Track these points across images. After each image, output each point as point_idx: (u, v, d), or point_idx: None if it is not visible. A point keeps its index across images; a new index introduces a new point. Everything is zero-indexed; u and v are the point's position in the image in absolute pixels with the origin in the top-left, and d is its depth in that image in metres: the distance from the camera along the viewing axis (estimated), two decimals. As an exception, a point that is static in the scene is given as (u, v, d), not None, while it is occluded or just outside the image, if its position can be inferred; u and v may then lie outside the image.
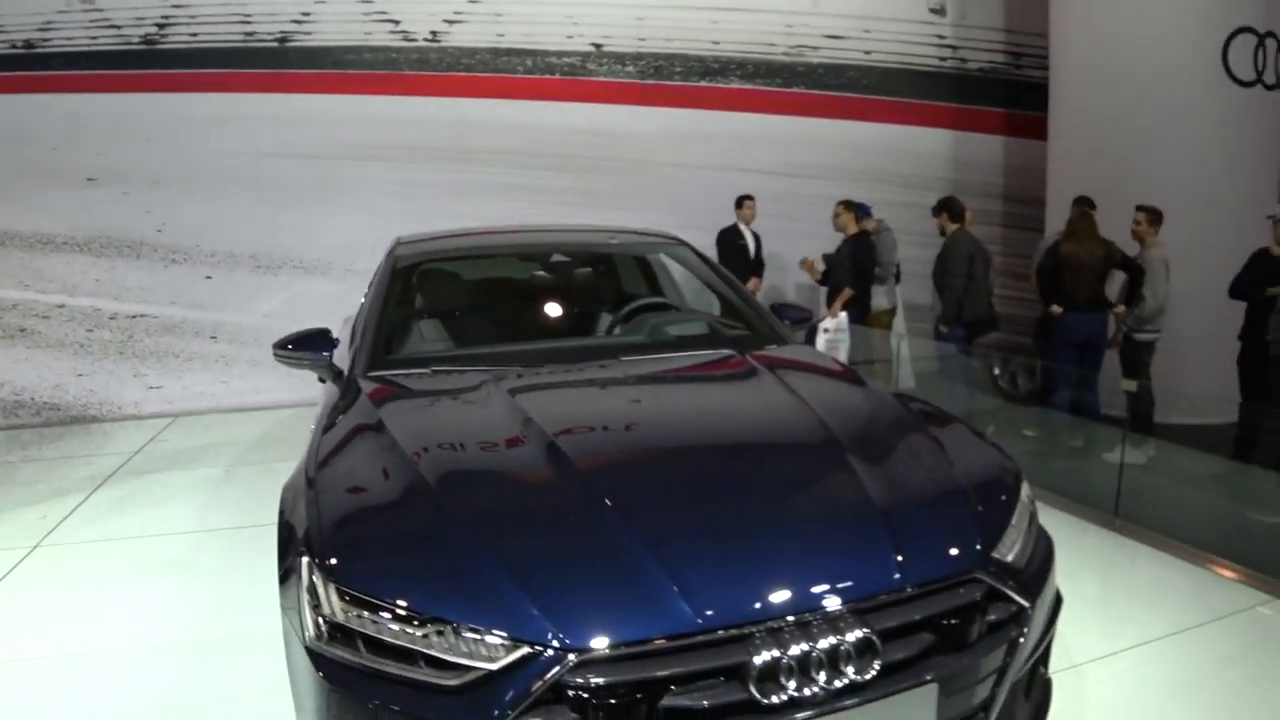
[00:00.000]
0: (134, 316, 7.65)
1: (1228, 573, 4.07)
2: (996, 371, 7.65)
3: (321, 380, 4.16)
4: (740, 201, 8.00)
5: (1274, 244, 5.85)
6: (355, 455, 2.44)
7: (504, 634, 1.77)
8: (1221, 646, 3.40)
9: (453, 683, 1.77)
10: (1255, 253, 6.04)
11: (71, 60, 7.56)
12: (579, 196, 8.43)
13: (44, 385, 7.56)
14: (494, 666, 1.76)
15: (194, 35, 7.70)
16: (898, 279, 8.13)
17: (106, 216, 7.62)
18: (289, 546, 2.16)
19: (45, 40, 7.52)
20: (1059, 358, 6.56)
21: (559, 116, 8.44)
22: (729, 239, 7.94)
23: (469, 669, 1.77)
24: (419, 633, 1.81)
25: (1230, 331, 6.19)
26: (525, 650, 1.76)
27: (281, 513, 2.35)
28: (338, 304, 5.94)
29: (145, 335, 7.65)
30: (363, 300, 4.11)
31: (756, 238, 8.09)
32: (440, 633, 1.80)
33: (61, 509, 5.15)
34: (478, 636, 1.78)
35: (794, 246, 9.11)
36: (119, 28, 7.58)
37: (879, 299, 7.83)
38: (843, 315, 7.16)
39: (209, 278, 7.71)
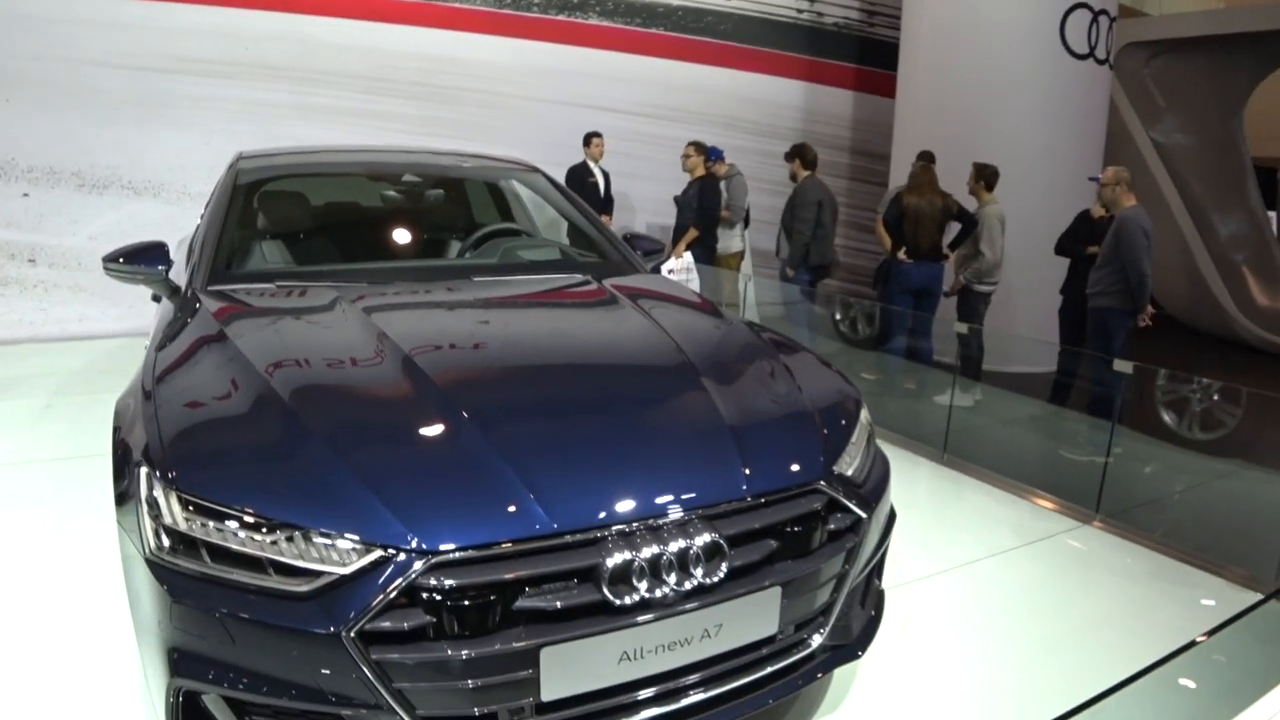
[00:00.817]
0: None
1: (1044, 503, 4.45)
2: (838, 316, 7.98)
3: (155, 299, 3.95)
4: (588, 139, 7.99)
5: (1096, 206, 6.31)
6: (198, 369, 2.34)
7: (356, 537, 1.76)
8: (1034, 567, 3.74)
9: (303, 588, 1.75)
10: (1079, 214, 6.54)
11: None
12: (427, 126, 8.21)
13: None
14: (346, 570, 1.75)
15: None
16: (747, 223, 8.33)
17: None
18: (125, 462, 2.06)
19: None
20: (896, 304, 6.89)
21: (410, 41, 8.15)
22: (579, 175, 7.93)
23: (320, 574, 1.76)
24: (268, 539, 1.78)
25: (1055, 286, 6.67)
26: (378, 554, 1.75)
27: (117, 429, 2.24)
28: (171, 228, 5.56)
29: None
30: (200, 218, 3.91)
31: (606, 175, 8.11)
32: (290, 538, 1.77)
33: None
34: (329, 541, 1.77)
35: (643, 188, 9.19)
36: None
37: (729, 242, 8.00)
38: (687, 255, 7.31)
39: (26, 195, 7.09)
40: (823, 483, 2.19)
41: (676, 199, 7.81)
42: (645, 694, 1.95)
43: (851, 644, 2.34)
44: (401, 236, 3.78)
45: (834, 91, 10.66)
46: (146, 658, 1.97)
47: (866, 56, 10.72)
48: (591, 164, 7.97)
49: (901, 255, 6.66)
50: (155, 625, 1.86)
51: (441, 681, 1.77)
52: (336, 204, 4.10)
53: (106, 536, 3.51)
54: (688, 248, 7.36)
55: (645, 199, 9.35)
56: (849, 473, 2.31)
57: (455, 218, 4.23)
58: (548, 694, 1.83)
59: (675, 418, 2.31)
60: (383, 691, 1.73)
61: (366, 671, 1.72)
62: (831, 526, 2.20)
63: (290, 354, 2.34)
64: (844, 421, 2.45)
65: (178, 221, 5.81)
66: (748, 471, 2.10)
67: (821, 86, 10.54)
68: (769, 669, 2.12)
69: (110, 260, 3.08)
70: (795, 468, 2.20)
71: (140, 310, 6.37)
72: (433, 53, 8.25)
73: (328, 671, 1.74)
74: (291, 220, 3.83)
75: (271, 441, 1.99)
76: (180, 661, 1.82)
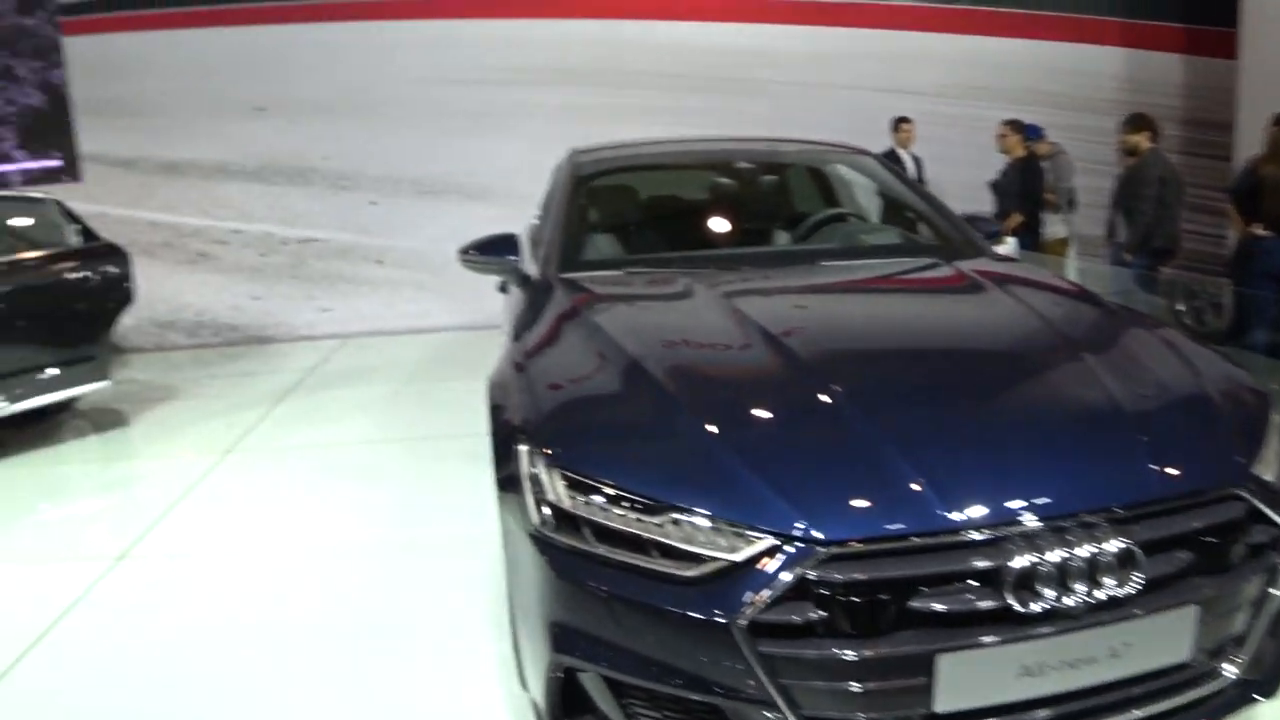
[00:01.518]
0: (304, 241, 7.92)
1: None
2: (1180, 305, 7.10)
3: (502, 290, 4.15)
4: (897, 124, 7.64)
5: None
6: (567, 349, 2.39)
7: (748, 523, 1.68)
8: None
9: (691, 573, 1.69)
10: None
11: None
12: (729, 119, 8.18)
13: (223, 307, 7.96)
14: (736, 558, 1.67)
15: (353, -35, 7.81)
16: (1073, 206, 7.62)
17: (275, 144, 7.89)
18: (504, 436, 2.11)
19: None
20: (1259, 289, 6.00)
21: (711, 37, 8.21)
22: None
23: (708, 559, 1.69)
24: (653, 520, 1.74)
25: None
26: (770, 541, 1.66)
27: (493, 405, 2.30)
28: (501, 228, 5.92)
29: (315, 260, 7.92)
30: (537, 213, 4.08)
31: (917, 161, 7.71)
32: (676, 522, 1.72)
33: (247, 420, 5.39)
34: (718, 526, 1.70)
35: (951, 173, 8.66)
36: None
37: (1054, 227, 7.36)
38: (1011, 241, 6.75)
39: (374, 203, 7.89)
40: (1242, 487, 1.86)
41: (993, 183, 7.28)
42: (1042, 715, 1.73)
43: (1264, 680, 1.98)
44: (739, 223, 3.74)
45: (1158, 56, 9.54)
46: (525, 633, 2.01)
47: (1196, 14, 9.50)
48: (900, 150, 7.62)
49: (1260, 230, 5.78)
50: (537, 601, 1.88)
51: (829, 682, 1.65)
52: (672, 193, 4.17)
53: (454, 507, 3.78)
54: (1011, 234, 6.83)
55: (955, 184, 8.83)
56: (1268, 478, 1.96)
57: (788, 204, 4.15)
58: (941, 705, 1.66)
59: (1070, 408, 2.05)
60: (769, 686, 1.64)
61: (754, 664, 1.63)
62: (1253, 540, 1.86)
63: (657, 335, 2.32)
64: (1255, 421, 2.09)
65: (507, 221, 6.12)
66: (1159, 469, 1.82)
67: (1143, 51, 9.46)
68: (1177, 701, 1.83)
69: (465, 252, 3.26)
70: (1211, 468, 1.89)
71: (474, 306, 6.88)
72: (734, 46, 8.26)
73: (711, 660, 1.68)
74: (630, 210, 3.91)
75: (650, 421, 1.97)
76: (562, 637, 1.82)
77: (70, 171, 8.01)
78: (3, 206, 5.67)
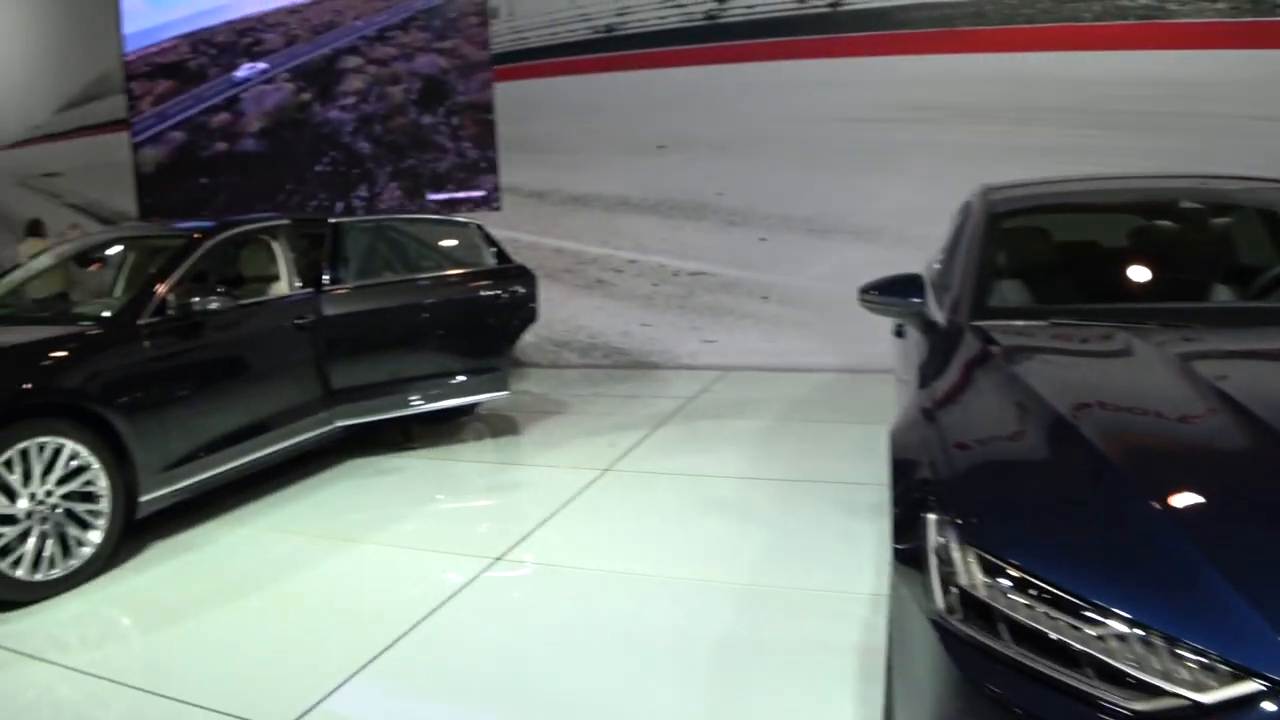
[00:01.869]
0: (694, 274, 8.16)
1: None
2: None
3: (897, 334, 3.89)
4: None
5: None
6: (983, 401, 2.10)
7: (1224, 656, 1.30)
8: None
9: (1140, 707, 1.33)
10: None
11: (643, 40, 8.23)
12: (1149, 158, 7.21)
13: (614, 331, 8.42)
14: (1204, 699, 1.30)
15: (750, 7, 7.92)
16: None
17: (673, 181, 8.20)
18: (910, 499, 1.87)
19: (623, 24, 8.27)
20: None
21: (1128, 67, 7.27)
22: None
23: (1164, 693, 1.33)
24: (1092, 631, 1.40)
25: None
26: (1255, 686, 1.27)
27: (896, 461, 2.06)
28: (891, 270, 5.64)
29: (703, 292, 8.13)
30: (939, 255, 3.77)
31: None
32: (1123, 637, 1.38)
33: (627, 441, 5.57)
34: (1182, 652, 1.33)
35: None
36: (684, 6, 8.06)
37: None
38: None
39: (763, 240, 7.94)
40: None
41: None
42: None
43: None
44: (1178, 274, 3.19)
45: None
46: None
47: None
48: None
49: None
50: (931, 699, 1.61)
51: None
52: (1098, 236, 3.66)
53: (825, 561, 3.57)
54: None
55: None
56: None
57: (1238, 252, 3.48)
58: None
59: None
60: None
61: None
62: None
63: (1093, 395, 1.98)
64: None
65: (895, 264, 5.85)
66: None
67: None
68: None
69: (866, 291, 3.06)
70: None
71: (857, 348, 6.65)
72: (1154, 76, 7.26)
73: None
74: (1049, 253, 3.49)
75: (1089, 500, 1.64)
76: (956, 748, 1.54)
77: (492, 201, 8.93)
78: (435, 229, 6.41)
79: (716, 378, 7.59)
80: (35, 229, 10.10)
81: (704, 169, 8.09)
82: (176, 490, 4.37)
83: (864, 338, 5.73)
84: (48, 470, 3.75)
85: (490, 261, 6.01)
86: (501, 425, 6.39)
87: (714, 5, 8.04)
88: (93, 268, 6.14)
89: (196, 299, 4.52)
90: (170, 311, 4.47)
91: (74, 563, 3.82)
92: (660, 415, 6.27)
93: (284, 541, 4.30)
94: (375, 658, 3.01)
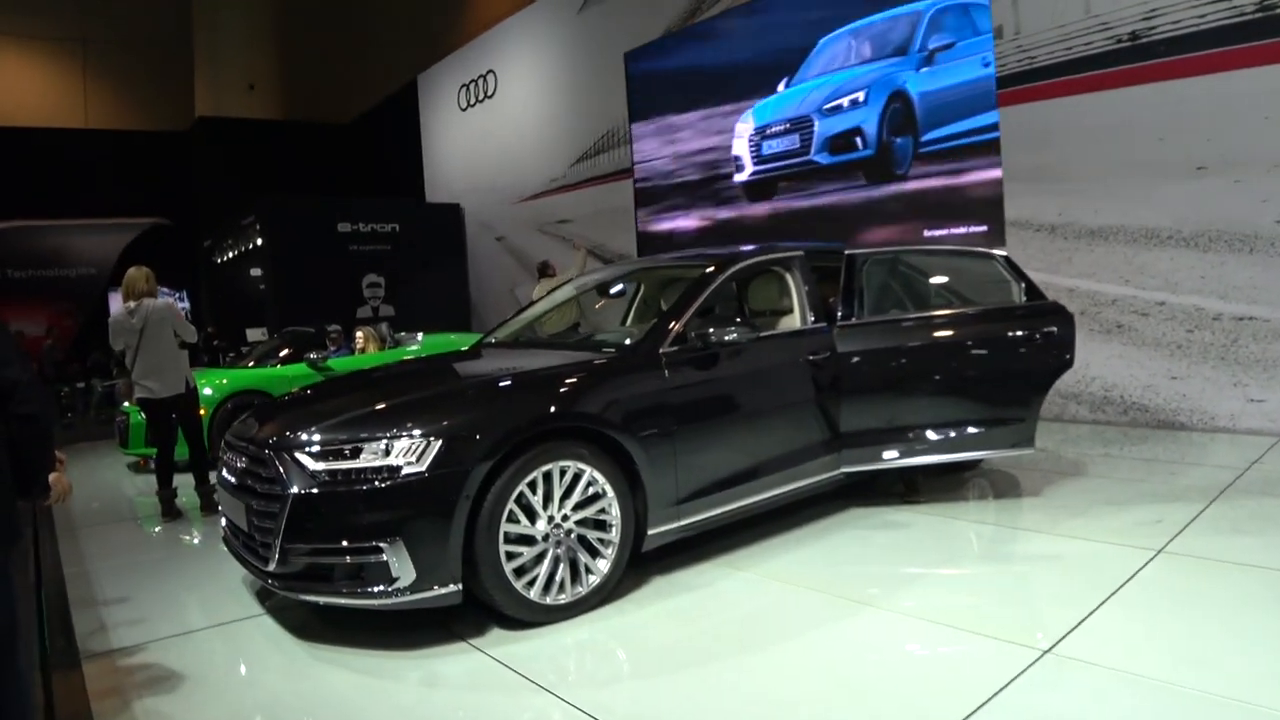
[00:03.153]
0: (1240, 319, 6.80)
1: None
2: None
3: None
4: None
5: None
6: None
7: None
8: None
9: None
10: None
11: (1174, 45, 7.04)
12: None
13: (1134, 384, 7.29)
14: None
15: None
16: None
17: (1214, 207, 6.92)
18: None
19: (1150, 29, 7.15)
20: None
21: None
22: None
23: None
24: None
25: None
26: None
27: None
28: None
29: (1251, 341, 6.74)
30: None
31: None
32: None
33: (1176, 516, 4.64)
34: None
35: None
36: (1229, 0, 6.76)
37: None
38: None
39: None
40: None
41: None
42: None
43: None
44: None
45: None
46: None
47: None
48: None
49: None
50: None
51: None
52: None
53: None
54: None
55: None
56: None
57: None
58: None
59: None
60: None
61: None
62: None
63: None
64: None
65: None
66: None
67: None
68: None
69: None
70: None
71: None
72: None
73: None
74: None
75: None
76: None
77: (995, 236, 8.23)
78: (956, 261, 5.90)
79: (1269, 445, 6.20)
80: (545, 269, 11.29)
81: (1258, 192, 6.72)
82: (683, 526, 4.34)
83: None
84: (566, 494, 3.86)
85: (1019, 298, 5.40)
86: (1006, 483, 5.70)
87: (1266, -4, 6.70)
88: (605, 297, 6.53)
89: (713, 330, 4.49)
90: (692, 342, 4.49)
91: (581, 590, 3.89)
92: (1209, 488, 5.17)
93: (787, 594, 4.05)
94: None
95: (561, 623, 3.79)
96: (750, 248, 5.38)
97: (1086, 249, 7.66)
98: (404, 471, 3.48)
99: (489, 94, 15.94)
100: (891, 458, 5.02)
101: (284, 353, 9.46)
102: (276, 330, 13.72)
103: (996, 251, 5.78)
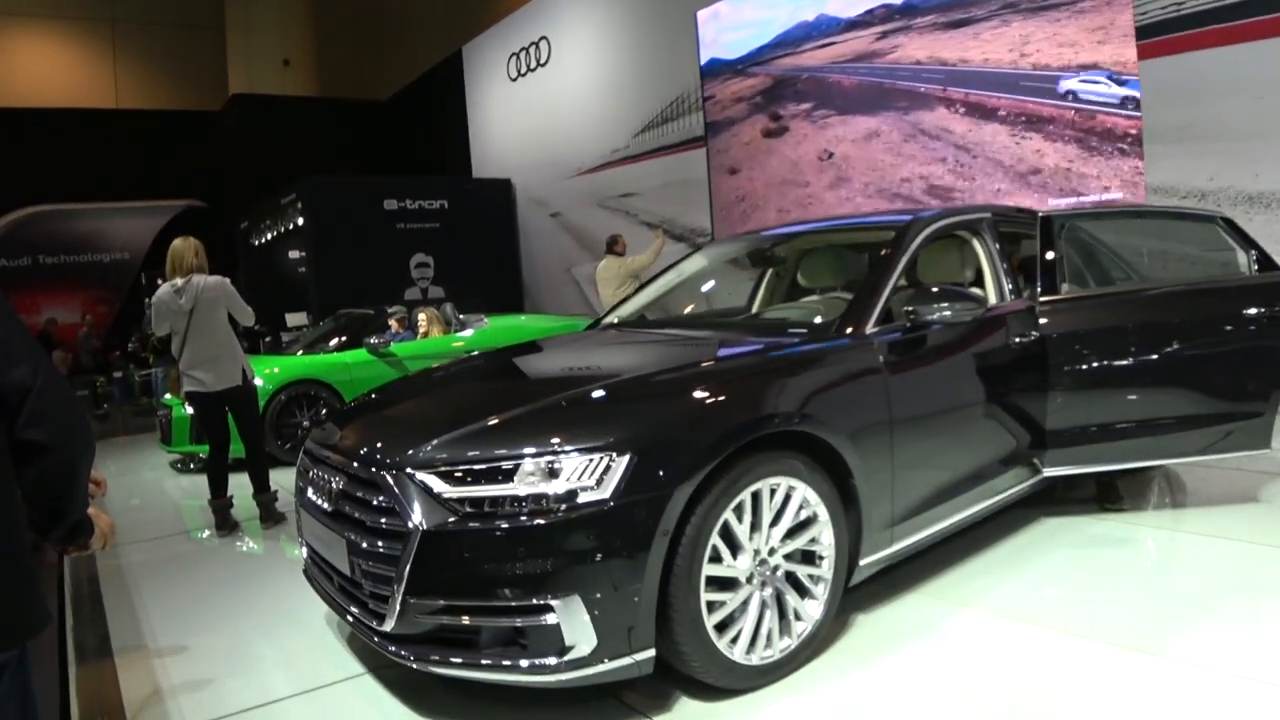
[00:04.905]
0: None
1: None
2: None
3: None
4: None
5: None
6: None
7: None
8: None
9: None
10: None
11: None
12: None
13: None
14: None
15: None
16: None
17: None
18: None
19: None
20: None
21: None
22: None
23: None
24: None
25: None
26: None
27: None
28: None
29: None
30: None
31: None
32: None
33: None
34: None
35: None
36: None
37: None
38: None
39: None
40: None
41: None
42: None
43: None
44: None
45: None
46: None
47: None
48: None
49: None
50: None
51: None
52: None
53: None
54: None
55: None
56: None
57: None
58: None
59: None
60: None
61: None
62: None
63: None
64: None
65: None
66: None
67: None
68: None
69: None
70: None
71: None
72: None
73: None
74: None
75: None
76: None
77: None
78: (1167, 225, 4.86)
79: None
80: (613, 245, 10.22)
81: None
82: (893, 553, 3.41)
83: None
84: (774, 521, 2.90)
85: (1249, 269, 4.39)
86: (1205, 485, 4.79)
87: None
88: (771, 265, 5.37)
89: (925, 306, 3.50)
90: (898, 321, 3.51)
91: (790, 642, 2.94)
92: None
93: (1039, 640, 3.08)
94: None
95: (768, 687, 2.84)
96: (928, 210, 4.35)
97: (1243, 218, 6.57)
98: (580, 499, 2.51)
99: (542, 62, 14.89)
100: (1102, 459, 4.10)
101: (339, 339, 8.50)
102: (318, 316, 12.82)
103: (1216, 212, 4.77)
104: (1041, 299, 4.11)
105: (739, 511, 2.76)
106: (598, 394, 2.98)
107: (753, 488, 2.79)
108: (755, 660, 2.81)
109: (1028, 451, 4.03)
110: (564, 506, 2.50)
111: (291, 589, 4.06)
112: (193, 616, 4.03)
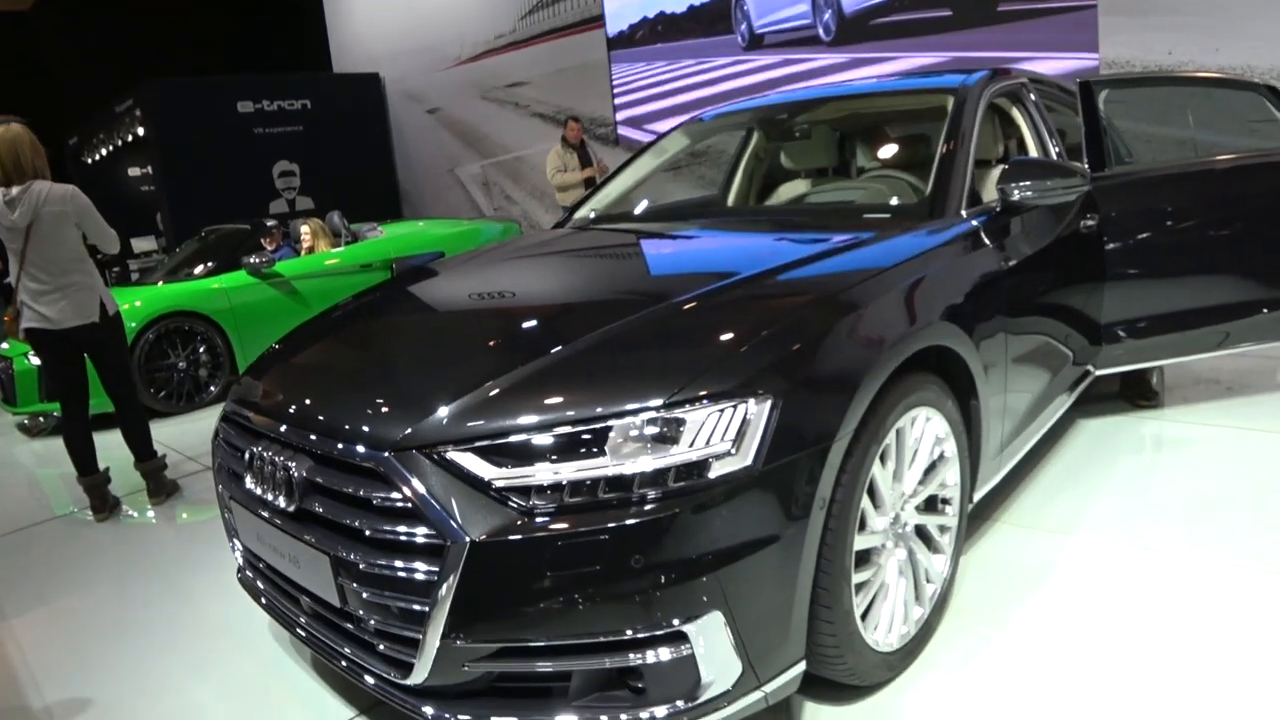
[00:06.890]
0: None
1: None
2: None
3: None
4: None
5: None
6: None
7: None
8: None
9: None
10: None
11: None
12: None
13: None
14: None
15: None
16: None
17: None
18: None
19: None
20: None
21: None
22: None
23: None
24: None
25: None
26: None
27: None
28: None
29: None
30: None
31: None
32: None
33: None
34: None
35: None
36: None
37: None
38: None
39: None
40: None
41: None
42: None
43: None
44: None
45: None
46: None
47: None
48: None
49: None
50: None
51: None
52: None
53: None
54: None
55: None
56: None
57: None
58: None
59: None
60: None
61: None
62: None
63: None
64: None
65: None
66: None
67: None
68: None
69: None
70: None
71: None
72: None
73: None
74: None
75: None
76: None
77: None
78: (1210, 92, 4.27)
79: None
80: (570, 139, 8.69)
81: None
82: (994, 485, 2.80)
83: None
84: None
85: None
86: (1239, 378, 4.41)
87: None
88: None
89: (1023, 183, 2.81)
90: (988, 203, 2.82)
91: (923, 611, 2.31)
92: None
93: (1167, 565, 2.65)
94: None
95: (895, 680, 2.20)
96: (974, 73, 3.55)
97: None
98: (713, 472, 1.68)
99: (406, -64, 13.30)
100: (1158, 353, 3.66)
101: (207, 263, 7.17)
102: (173, 240, 11.28)
103: (1260, 81, 4.26)
104: (1094, 176, 3.48)
105: (884, 458, 2.04)
106: (688, 310, 2.11)
107: (897, 425, 2.06)
108: (895, 641, 2.15)
109: (1090, 347, 3.48)
110: (689, 484, 1.67)
111: (215, 590, 3.13)
112: (89, 647, 2.95)
